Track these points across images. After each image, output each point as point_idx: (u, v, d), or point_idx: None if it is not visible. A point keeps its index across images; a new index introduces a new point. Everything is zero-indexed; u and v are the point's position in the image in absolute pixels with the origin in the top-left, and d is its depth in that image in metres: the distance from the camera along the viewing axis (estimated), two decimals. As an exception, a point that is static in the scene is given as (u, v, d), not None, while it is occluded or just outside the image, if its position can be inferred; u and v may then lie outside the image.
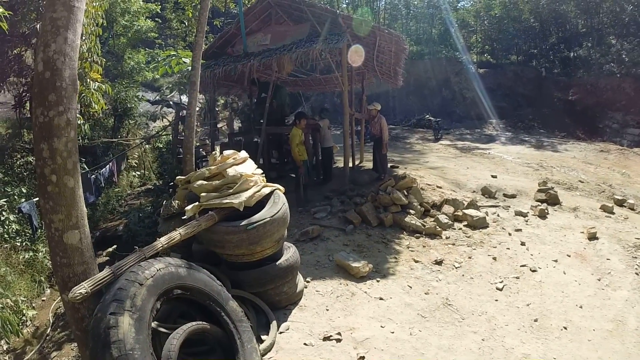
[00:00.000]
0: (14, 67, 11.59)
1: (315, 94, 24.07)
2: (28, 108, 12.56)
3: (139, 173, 16.63)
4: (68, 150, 3.41)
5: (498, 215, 9.00)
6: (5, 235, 8.88)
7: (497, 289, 6.25)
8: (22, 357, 7.14)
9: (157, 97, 20.54)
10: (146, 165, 16.98)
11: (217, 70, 10.65)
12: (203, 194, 5.30)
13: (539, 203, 9.74)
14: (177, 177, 6.21)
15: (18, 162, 11.94)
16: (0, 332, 6.25)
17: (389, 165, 12.16)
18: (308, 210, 9.08)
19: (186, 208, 5.25)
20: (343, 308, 5.50)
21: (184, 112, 12.52)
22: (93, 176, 11.90)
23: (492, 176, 11.96)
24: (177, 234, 4.50)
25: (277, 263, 5.25)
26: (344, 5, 33.97)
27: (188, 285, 3.88)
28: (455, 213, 8.75)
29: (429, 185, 10.12)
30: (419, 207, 8.68)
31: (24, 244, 9.18)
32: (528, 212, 9.16)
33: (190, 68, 9.24)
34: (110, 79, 17.53)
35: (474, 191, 10.54)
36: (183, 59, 9.65)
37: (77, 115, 11.09)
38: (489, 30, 30.39)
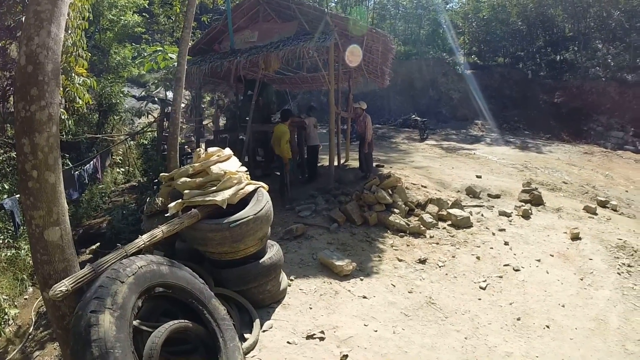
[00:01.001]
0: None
1: (302, 92, 24.05)
2: (12, 102, 12.31)
3: (123, 170, 16.47)
4: (49, 146, 3.38)
5: (482, 215, 9.06)
6: None
7: (481, 287, 6.29)
8: (4, 356, 7.04)
9: (143, 93, 20.38)
10: (131, 162, 16.81)
11: (204, 66, 10.57)
12: (186, 191, 5.27)
13: (523, 203, 9.82)
14: (161, 174, 6.16)
15: (1, 158, 11.74)
16: None
17: (374, 164, 12.22)
18: (293, 208, 9.08)
19: (169, 205, 5.20)
20: (326, 306, 5.51)
21: (169, 108, 12.45)
22: (77, 172, 11.72)
23: (477, 176, 12.05)
24: (159, 232, 4.48)
25: (260, 261, 5.24)
26: (332, 5, 33.94)
27: (170, 283, 3.86)
28: (440, 212, 8.79)
29: (414, 184, 10.17)
30: (403, 206, 8.70)
31: (6, 241, 9.07)
32: (512, 212, 9.24)
33: (176, 64, 9.20)
34: (96, 73, 17.31)
35: (458, 191, 10.60)
36: (169, 54, 9.57)
37: (61, 110, 11.05)
38: (477, 32, 30.63)
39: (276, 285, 5.51)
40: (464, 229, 8.31)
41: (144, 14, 20.70)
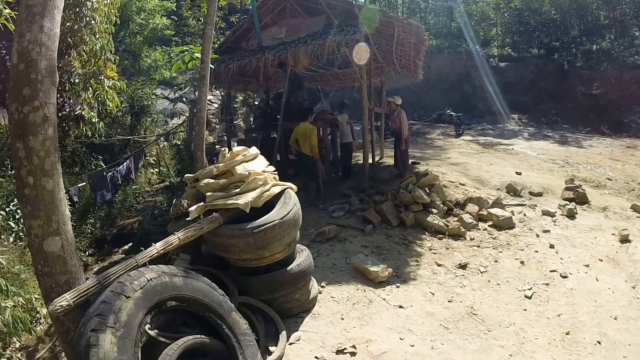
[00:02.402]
0: None
1: (334, 89, 23.53)
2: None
3: (157, 170, 16.35)
4: (46, 150, 3.10)
5: (524, 215, 8.38)
6: (21, 233, 8.50)
7: (526, 296, 5.67)
8: (34, 354, 6.80)
9: (177, 95, 20.31)
10: (164, 162, 16.70)
11: (231, 64, 10.20)
12: (208, 194, 4.89)
13: (567, 202, 9.09)
14: (186, 175, 5.82)
15: None
16: (11, 330, 5.85)
17: (410, 161, 11.60)
18: (325, 208, 8.61)
19: (189, 209, 4.84)
20: (359, 317, 5.01)
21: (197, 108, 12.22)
22: (110, 174, 11.66)
23: (517, 173, 11.30)
24: (175, 239, 4.13)
25: (287, 268, 4.79)
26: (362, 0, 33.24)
27: (184, 296, 3.51)
28: (480, 212, 8.15)
29: (452, 182, 9.53)
30: (441, 205, 8.09)
31: None
32: (556, 212, 8.53)
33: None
34: (127, 77, 17.30)
35: (498, 189, 9.92)
36: (195, 54, 9.21)
37: (92, 113, 10.98)
38: (510, 23, 29.34)
39: (305, 293, 5.05)
40: (506, 230, 7.66)
41: (172, 17, 20.57)
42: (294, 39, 9.83)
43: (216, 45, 12.06)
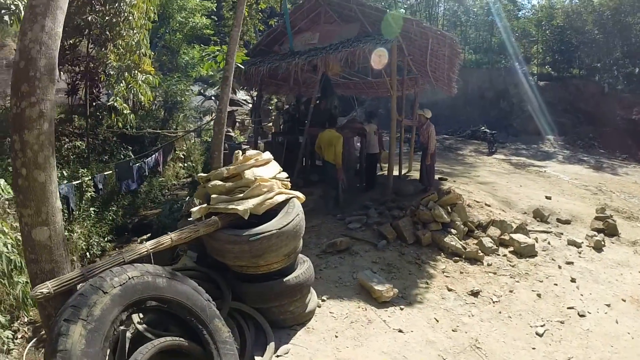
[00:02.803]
0: (68, 56, 11.81)
1: (370, 98, 23.21)
2: (81, 94, 12.67)
3: (186, 165, 16.46)
4: (40, 144, 3.20)
5: (549, 243, 7.91)
6: None
7: (537, 334, 5.24)
8: (40, 330, 6.83)
9: (213, 92, 20.42)
10: (194, 158, 16.80)
11: (262, 67, 10.09)
12: (213, 196, 4.78)
13: (595, 233, 8.53)
14: (198, 175, 5.71)
15: (66, 146, 11.98)
16: (21, 305, 6.17)
17: (437, 177, 11.21)
18: (343, 218, 8.34)
19: (192, 210, 4.69)
20: (355, 337, 4.73)
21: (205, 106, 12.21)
22: (137, 164, 11.77)
23: (546, 197, 10.76)
24: (167, 239, 4.01)
25: (284, 279, 4.58)
26: (402, 11, 32.82)
27: (166, 297, 3.46)
28: (502, 237, 7.74)
29: (477, 202, 9.11)
30: (462, 226, 7.70)
31: None
32: (582, 243, 8.02)
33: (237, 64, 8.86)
34: (165, 72, 17.55)
35: (525, 212, 9.45)
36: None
37: (124, 105, 11.14)
38: (550, 41, 28.21)
39: (301, 306, 4.82)
40: (527, 258, 7.22)
41: (212, 17, 20.69)
42: (326, 45, 9.65)
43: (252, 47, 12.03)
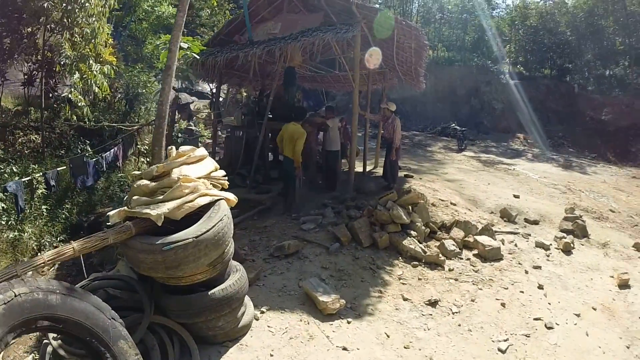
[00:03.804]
0: (25, 45, 11.01)
1: (340, 93, 22.50)
2: (37, 86, 11.72)
3: (148, 159, 15.52)
4: None
5: (515, 245, 7.31)
6: None
7: (499, 350, 4.59)
8: None
9: (183, 86, 19.49)
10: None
11: (219, 57, 9.31)
12: (134, 197, 4.07)
13: (564, 234, 7.93)
14: (132, 173, 4.94)
15: (20, 140, 11.10)
16: None
17: (402, 174, 10.56)
18: (298, 218, 7.62)
19: (109, 213, 4.00)
20: (292, 355, 4.06)
21: (180, 99, 11.40)
22: (94, 159, 10.95)
23: (514, 196, 10.19)
24: (69, 249, 3.43)
25: (209, 292, 3.92)
26: (376, 6, 32.20)
27: (60, 316, 3.03)
28: (466, 238, 7.10)
29: (442, 201, 8.44)
30: (423, 228, 7.01)
31: (9, 223, 8.41)
32: (551, 245, 7.42)
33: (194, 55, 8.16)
34: (130, 63, 16.56)
35: (492, 212, 8.86)
36: (181, 43, 8.39)
37: (79, 97, 10.35)
38: (524, 41, 27.86)
39: (232, 321, 4.13)
40: (492, 263, 6.59)
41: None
42: (287, 34, 8.93)
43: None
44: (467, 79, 26.00)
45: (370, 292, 5.42)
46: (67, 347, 3.51)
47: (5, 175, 9.01)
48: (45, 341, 3.46)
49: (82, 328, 3.08)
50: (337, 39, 7.97)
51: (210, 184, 4.39)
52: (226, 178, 4.68)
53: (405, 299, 5.37)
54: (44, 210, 9.52)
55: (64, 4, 9.41)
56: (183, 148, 4.56)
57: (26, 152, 10.87)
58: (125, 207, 3.99)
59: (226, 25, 10.85)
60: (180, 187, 3.87)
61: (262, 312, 4.68)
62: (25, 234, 8.56)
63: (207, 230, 3.63)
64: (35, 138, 11.37)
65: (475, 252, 6.89)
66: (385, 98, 11.99)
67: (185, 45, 8.66)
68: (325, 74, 13.98)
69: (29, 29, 10.77)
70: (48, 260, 3.25)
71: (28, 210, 8.92)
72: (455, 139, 20.56)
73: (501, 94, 24.89)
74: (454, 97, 25.71)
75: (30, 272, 3.43)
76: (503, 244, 7.23)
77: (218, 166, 4.69)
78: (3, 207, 8.30)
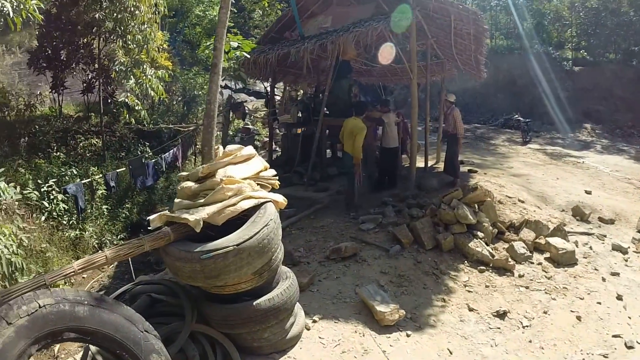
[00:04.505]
0: (83, 55, 11.55)
1: (399, 87, 21.73)
2: (96, 93, 12.16)
3: (209, 159, 15.68)
4: None
5: (590, 248, 6.56)
6: (54, 213, 8.37)
7: (575, 372, 3.98)
8: None
9: (241, 86, 19.52)
10: (215, 152, 16.00)
11: (270, 55, 9.05)
12: (176, 200, 3.79)
13: (644, 235, 7.08)
14: (180, 174, 4.74)
15: (81, 144, 11.48)
16: None
17: (465, 168, 9.88)
18: (357, 217, 7.19)
19: (149, 217, 3.71)
20: (343, 372, 3.64)
21: (234, 99, 11.25)
22: (153, 160, 11.15)
23: (586, 192, 9.30)
24: (101, 257, 3.18)
25: (255, 303, 3.58)
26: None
27: (88, 329, 2.84)
28: (537, 240, 6.42)
29: (509, 198, 7.75)
30: (490, 228, 6.40)
31: (70, 222, 8.67)
32: (629, 248, 6.62)
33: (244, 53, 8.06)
34: (186, 67, 16.81)
35: (562, 210, 8.07)
36: (231, 43, 8.23)
37: (136, 100, 10.64)
38: (585, 24, 25.70)
39: (279, 332, 3.79)
40: (566, 268, 5.89)
41: (232, 8, 19.90)
42: (338, 27, 8.51)
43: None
44: (528, 68, 24.35)
45: (433, 301, 4.93)
46: (106, 353, 3.30)
47: (67, 177, 9.22)
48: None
49: (111, 341, 2.92)
50: (391, 29, 7.43)
51: (258, 184, 4.06)
52: (277, 178, 4.33)
53: (470, 309, 4.84)
54: (105, 209, 9.77)
55: (115, 14, 9.57)
56: (230, 147, 4.27)
57: (87, 155, 11.28)
58: (167, 211, 3.73)
59: (276, 23, 10.65)
60: (223, 190, 3.55)
61: (314, 322, 4.31)
62: (87, 232, 8.83)
63: (250, 237, 3.28)
64: (96, 142, 11.78)
65: (547, 255, 6.22)
66: (444, 89, 11.30)
67: (235, 45, 8.51)
68: (381, 67, 13.40)
69: (84, 40, 11.24)
70: (78, 269, 3.04)
71: (89, 210, 9.21)
72: (519, 130, 19.33)
73: (565, 82, 23.14)
74: (514, 87, 24.12)
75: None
76: (577, 246, 6.52)
77: (267, 165, 4.35)
78: (64, 208, 8.51)
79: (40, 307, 2.69)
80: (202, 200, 3.59)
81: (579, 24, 26.13)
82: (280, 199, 3.93)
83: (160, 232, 3.41)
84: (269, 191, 4.12)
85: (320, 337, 4.08)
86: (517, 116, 20.70)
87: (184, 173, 4.31)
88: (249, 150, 4.29)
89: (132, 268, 7.00)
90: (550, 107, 22.47)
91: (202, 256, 3.15)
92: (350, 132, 7.65)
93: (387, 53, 8.58)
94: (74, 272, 3.02)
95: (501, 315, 4.76)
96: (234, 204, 3.49)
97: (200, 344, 3.58)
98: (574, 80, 23.08)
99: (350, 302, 4.75)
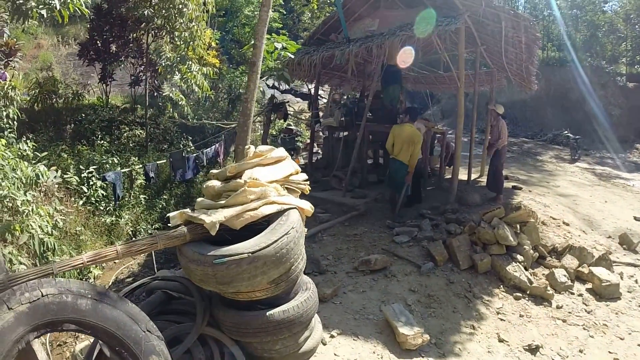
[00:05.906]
0: (132, 49, 11.90)
1: (447, 95, 21.10)
2: (143, 86, 12.51)
3: (249, 157, 15.75)
4: None
5: (636, 282, 5.99)
6: (92, 199, 8.55)
7: None
8: None
9: (288, 87, 19.54)
10: (259, 149, 16.07)
11: (314, 56, 8.84)
12: (198, 200, 3.64)
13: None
14: (210, 171, 4.59)
15: (125, 134, 11.71)
16: None
17: (510, 184, 9.36)
18: (392, 227, 6.87)
19: (169, 214, 3.60)
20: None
21: (277, 99, 11.13)
22: (194, 154, 11.23)
23: (635, 218, 8.60)
24: (112, 252, 3.08)
25: (268, 313, 3.33)
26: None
27: (88, 322, 2.79)
28: (579, 269, 5.92)
29: (554, 219, 7.24)
30: (531, 251, 5.95)
31: (107, 209, 8.82)
32: (679, 285, 5.98)
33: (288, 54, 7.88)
34: (234, 65, 16.92)
35: (609, 236, 7.47)
36: (275, 43, 8.07)
37: (180, 96, 10.78)
38: (641, 37, 24.01)
39: (292, 345, 3.53)
40: (608, 303, 5.39)
41: (280, 10, 19.85)
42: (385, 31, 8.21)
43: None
44: (580, 82, 23.07)
45: (461, 327, 4.56)
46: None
47: (107, 165, 9.42)
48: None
49: (111, 337, 2.85)
50: (438, 33, 7.08)
51: (287, 188, 3.83)
52: (307, 182, 4.10)
53: (500, 340, 4.44)
54: (142, 199, 9.87)
55: (163, 11, 9.64)
56: (260, 148, 4.08)
57: (130, 145, 11.49)
58: (188, 209, 3.55)
59: (322, 25, 10.45)
60: (245, 192, 3.33)
61: (332, 337, 4.05)
62: (122, 219, 8.93)
63: (267, 246, 3.04)
64: (140, 133, 11.99)
65: (589, 286, 5.72)
66: (493, 100, 10.75)
67: (279, 45, 8.33)
68: (428, 74, 13.10)
69: (134, 35, 11.58)
70: (87, 262, 2.97)
71: (126, 199, 9.34)
72: (567, 147, 18.37)
73: (618, 98, 21.78)
74: (565, 101, 22.91)
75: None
76: (622, 278, 5.99)
77: (299, 169, 4.14)
78: (103, 194, 8.68)
79: (42, 295, 2.68)
80: (223, 202, 3.40)
81: (635, 37, 24.47)
82: (307, 206, 3.67)
83: (176, 231, 3.26)
84: (298, 196, 3.89)
85: (335, 354, 3.82)
86: (566, 132, 19.71)
87: (215, 171, 4.14)
88: (280, 152, 4.08)
89: (154, 261, 6.95)
90: (601, 124, 21.22)
91: (215, 261, 2.96)
92: (409, 140, 7.19)
93: (406, 56, 8.18)
94: (82, 263, 2.96)
95: (533, 350, 4.32)
96: (255, 209, 3.27)
97: (208, 348, 3.41)
98: (627, 96, 21.70)
99: (373, 319, 4.45)
